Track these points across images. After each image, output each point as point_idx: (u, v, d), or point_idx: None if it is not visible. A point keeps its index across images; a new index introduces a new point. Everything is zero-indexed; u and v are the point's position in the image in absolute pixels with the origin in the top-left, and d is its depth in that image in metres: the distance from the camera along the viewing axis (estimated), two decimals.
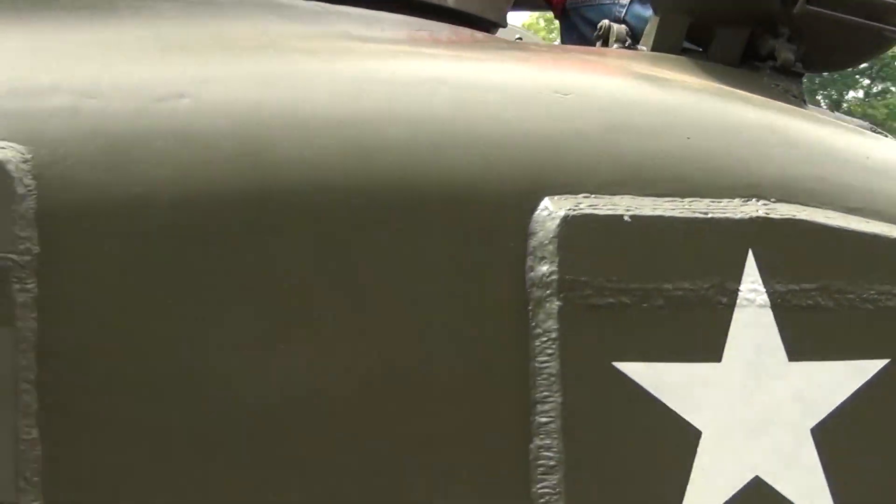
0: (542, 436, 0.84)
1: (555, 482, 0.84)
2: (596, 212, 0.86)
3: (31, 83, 0.83)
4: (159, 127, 0.82)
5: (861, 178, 1.01)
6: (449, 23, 1.19)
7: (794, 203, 0.92)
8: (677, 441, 0.87)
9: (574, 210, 0.85)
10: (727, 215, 0.89)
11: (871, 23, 1.21)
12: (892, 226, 0.94)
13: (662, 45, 1.24)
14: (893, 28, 1.25)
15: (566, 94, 0.95)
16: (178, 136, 0.82)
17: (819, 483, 0.91)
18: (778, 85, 1.22)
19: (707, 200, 0.90)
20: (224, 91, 0.85)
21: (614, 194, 0.88)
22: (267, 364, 0.81)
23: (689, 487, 0.87)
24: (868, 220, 0.94)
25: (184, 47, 0.91)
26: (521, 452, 0.85)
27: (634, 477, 0.87)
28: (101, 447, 0.78)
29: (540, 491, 0.84)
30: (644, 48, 1.28)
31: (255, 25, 0.97)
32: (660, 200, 0.88)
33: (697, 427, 0.88)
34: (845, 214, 0.94)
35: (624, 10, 1.88)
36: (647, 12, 1.62)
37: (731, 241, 0.90)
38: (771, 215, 0.90)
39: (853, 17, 1.18)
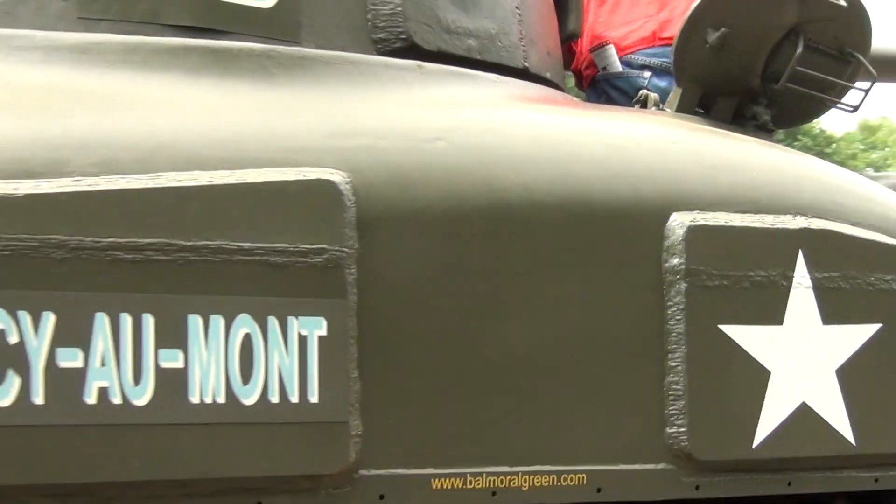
0: (671, 375, 1.27)
1: (681, 406, 1.27)
2: (707, 223, 1.30)
3: (344, 129, 1.19)
4: (426, 160, 1.19)
5: (859, 203, 1.50)
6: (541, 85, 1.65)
7: (824, 219, 1.40)
8: (756, 378, 1.32)
9: (693, 221, 1.29)
10: (785, 226, 1.35)
11: (825, 96, 1.73)
12: (883, 235, 1.44)
13: (683, 109, 1.68)
14: (837, 100, 1.80)
15: (675, 142, 1.40)
16: (439, 167, 1.19)
17: (841, 407, 1.37)
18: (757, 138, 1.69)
19: (772, 216, 1.35)
20: (466, 135, 1.24)
21: (716, 211, 1.32)
22: (505, 330, 1.20)
23: (763, 409, 1.32)
24: (867, 230, 1.43)
25: (435, 103, 1.29)
26: (658, 386, 1.27)
27: (731, 402, 1.31)
28: (401, 382, 1.15)
29: (670, 412, 1.27)
30: (668, 110, 1.73)
31: (464, 89, 1.42)
32: (745, 216, 1.34)
33: (768, 368, 1.32)
34: (853, 226, 1.42)
35: (646, 82, 2.35)
36: (662, 83, 2.24)
37: (788, 244, 1.35)
38: (811, 226, 1.38)
39: (813, 92, 1.68)
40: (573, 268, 1.24)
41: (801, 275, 1.34)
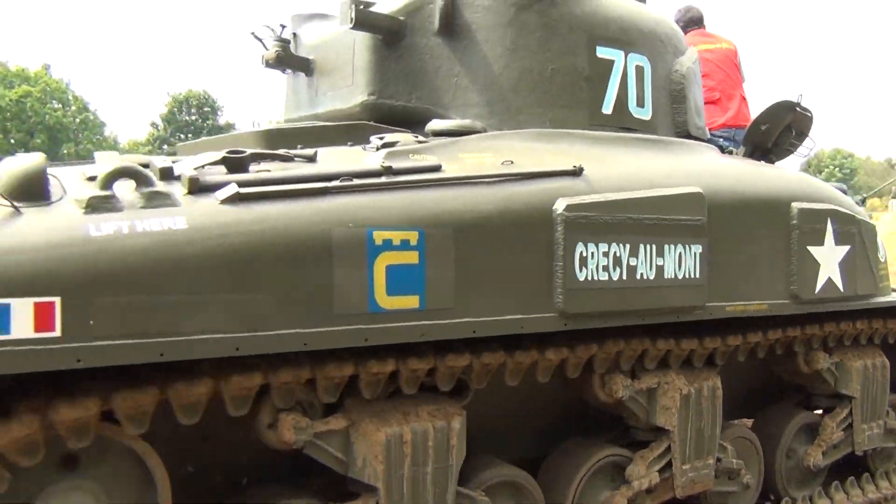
0: None
1: None
2: (811, 206, 3.44)
3: (691, 169, 3.26)
4: (722, 180, 3.30)
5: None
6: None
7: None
8: None
9: (801, 205, 3.36)
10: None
11: (794, 150, 4.04)
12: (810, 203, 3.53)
13: (748, 155, 3.95)
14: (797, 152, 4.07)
15: (764, 167, 3.70)
16: (731, 178, 3.36)
17: None
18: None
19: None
20: (719, 166, 3.52)
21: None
22: None
23: None
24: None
25: (701, 155, 3.56)
26: None
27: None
28: None
29: None
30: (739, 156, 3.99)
31: (704, 150, 3.65)
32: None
33: None
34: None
35: (721, 141, 4.65)
36: (727, 144, 4.62)
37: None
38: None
39: (791, 149, 4.01)
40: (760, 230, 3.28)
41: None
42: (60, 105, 52.88)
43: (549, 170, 2.69)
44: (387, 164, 2.42)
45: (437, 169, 2.53)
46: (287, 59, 3.69)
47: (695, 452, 3.16)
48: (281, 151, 2.49)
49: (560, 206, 2.59)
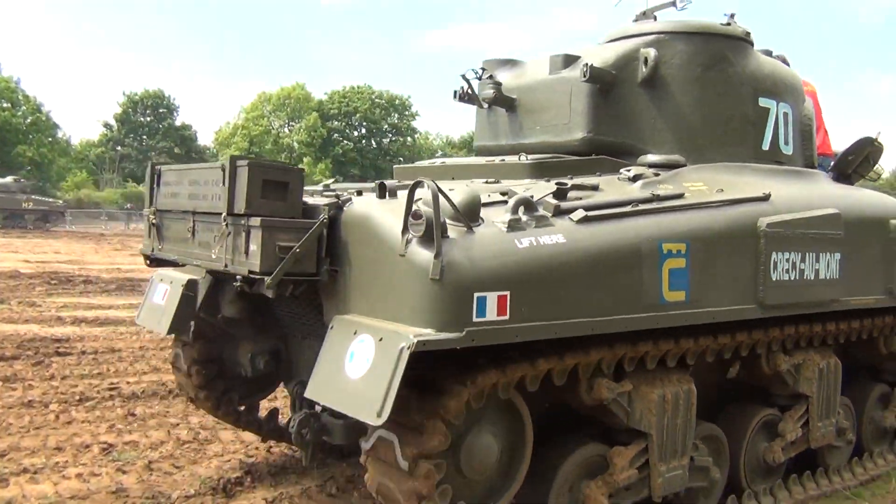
0: None
1: None
2: None
3: (825, 193, 4.43)
4: (844, 201, 4.34)
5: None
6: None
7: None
8: None
9: None
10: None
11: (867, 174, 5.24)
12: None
13: (835, 179, 5.00)
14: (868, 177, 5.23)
15: (853, 189, 4.90)
16: (850, 202, 4.42)
17: None
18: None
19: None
20: (837, 189, 4.71)
21: None
22: None
23: None
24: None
25: (818, 181, 4.68)
26: None
27: None
28: None
29: None
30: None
31: (818, 178, 4.74)
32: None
33: None
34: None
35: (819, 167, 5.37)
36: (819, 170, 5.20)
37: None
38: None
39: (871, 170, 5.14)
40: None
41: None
42: (10, 105, 51.90)
43: (750, 196, 3.68)
44: (653, 192, 3.37)
45: (681, 196, 3.44)
46: (498, 98, 4.53)
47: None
48: (578, 181, 3.35)
49: (762, 223, 3.60)
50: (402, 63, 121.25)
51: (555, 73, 4.30)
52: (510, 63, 4.74)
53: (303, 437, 3.55)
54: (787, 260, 3.69)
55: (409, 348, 2.42)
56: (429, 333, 2.48)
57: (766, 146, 4.41)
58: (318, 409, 3.55)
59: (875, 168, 5.02)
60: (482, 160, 4.24)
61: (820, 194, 4.29)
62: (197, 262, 3.41)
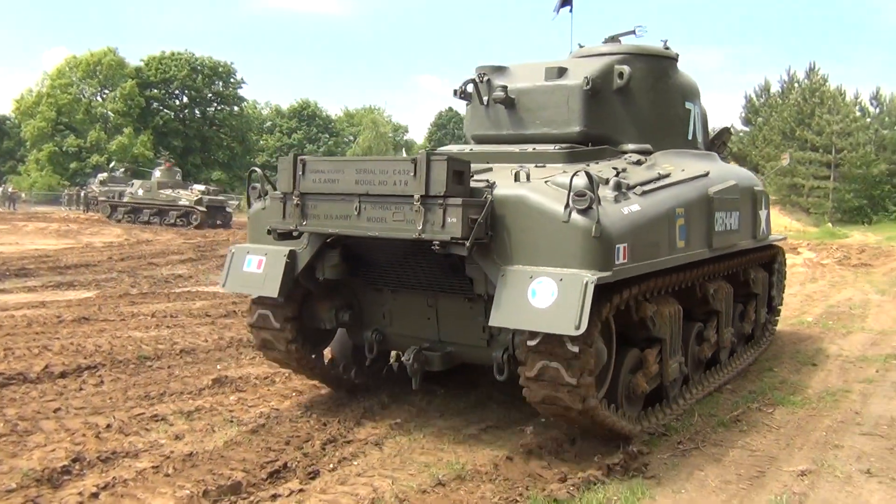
0: None
1: None
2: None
3: (725, 173, 6.47)
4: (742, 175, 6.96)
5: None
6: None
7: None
8: None
9: (758, 187, 6.90)
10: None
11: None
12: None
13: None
14: None
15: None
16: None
17: None
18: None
19: None
20: (729, 169, 6.97)
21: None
22: None
23: None
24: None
25: (717, 161, 7.10)
26: None
27: None
28: None
29: None
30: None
31: (714, 158, 6.91)
32: None
33: None
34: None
35: None
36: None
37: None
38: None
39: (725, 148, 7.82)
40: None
41: None
42: None
43: (699, 174, 5.53)
44: (659, 173, 5.13)
45: (668, 175, 5.15)
46: (500, 97, 5.92)
47: None
48: (611, 165, 5.04)
49: (710, 192, 5.51)
50: (225, 28, 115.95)
51: (551, 81, 5.85)
52: (500, 69, 6.20)
53: (413, 367, 4.90)
54: (720, 217, 5.63)
55: (592, 283, 3.87)
56: (594, 273, 3.94)
57: (689, 136, 6.56)
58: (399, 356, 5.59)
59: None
60: (515, 148, 5.59)
61: (722, 170, 6.40)
62: (369, 233, 4.36)
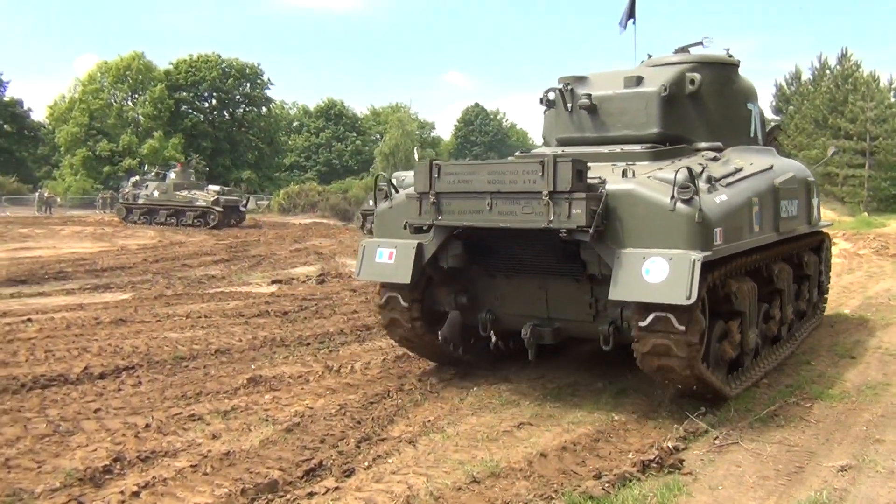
0: None
1: None
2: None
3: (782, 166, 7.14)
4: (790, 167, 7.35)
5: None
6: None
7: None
8: None
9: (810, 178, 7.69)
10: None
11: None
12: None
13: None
14: None
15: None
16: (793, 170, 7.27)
17: None
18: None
19: None
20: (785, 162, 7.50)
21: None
22: None
23: None
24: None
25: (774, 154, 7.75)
26: None
27: None
28: None
29: None
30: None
31: (775, 154, 7.65)
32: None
33: None
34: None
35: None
36: None
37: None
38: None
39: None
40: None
41: None
42: None
43: (765, 168, 6.16)
44: (734, 167, 5.81)
45: (742, 169, 5.81)
46: (587, 105, 6.74)
47: None
48: (692, 161, 5.79)
49: (776, 182, 6.20)
50: (250, 29, 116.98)
51: (630, 88, 6.60)
52: (581, 78, 6.97)
53: (529, 341, 5.78)
54: (784, 205, 6.28)
55: (698, 260, 4.70)
56: (699, 253, 4.75)
57: (752, 134, 7.31)
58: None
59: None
60: (604, 149, 6.36)
61: (782, 164, 6.99)
62: (501, 224, 5.14)
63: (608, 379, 6.40)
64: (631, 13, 8.21)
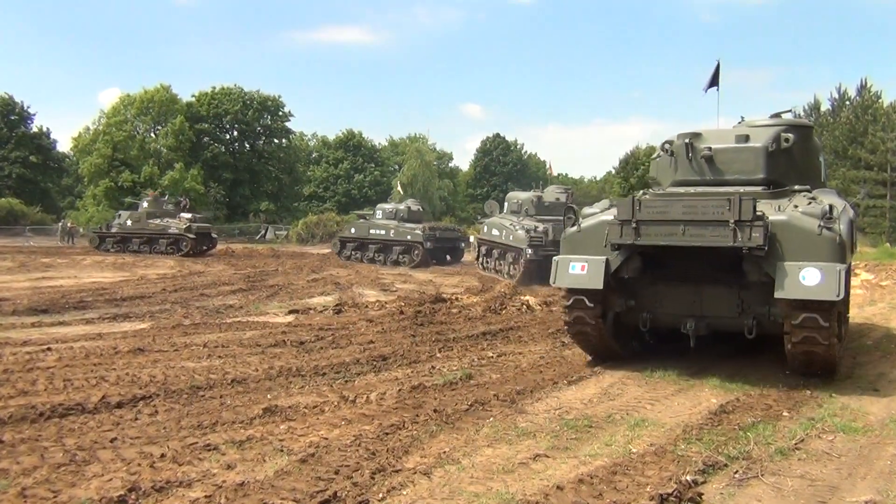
0: None
1: None
2: None
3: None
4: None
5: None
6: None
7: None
8: None
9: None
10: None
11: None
12: None
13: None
14: None
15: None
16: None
17: None
18: None
19: None
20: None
21: None
22: None
23: None
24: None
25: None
26: None
27: None
28: None
29: None
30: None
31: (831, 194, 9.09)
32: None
33: None
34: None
35: None
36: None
37: None
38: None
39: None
40: None
41: None
42: None
43: (841, 204, 7.82)
44: (827, 207, 7.05)
45: (832, 208, 7.03)
46: (708, 155, 8.59)
47: None
48: (805, 200, 7.70)
49: (850, 215, 7.96)
50: (269, 62, 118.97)
51: (741, 143, 8.48)
52: (696, 134, 8.71)
53: (692, 332, 7.87)
54: (853, 232, 8.09)
55: (843, 270, 6.68)
56: (841, 265, 6.70)
57: (823, 179, 9.42)
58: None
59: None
60: (720, 190, 8.16)
61: (841, 200, 8.37)
62: (693, 243, 7.12)
63: (624, 411, 6.32)
64: (714, 81, 10.09)
